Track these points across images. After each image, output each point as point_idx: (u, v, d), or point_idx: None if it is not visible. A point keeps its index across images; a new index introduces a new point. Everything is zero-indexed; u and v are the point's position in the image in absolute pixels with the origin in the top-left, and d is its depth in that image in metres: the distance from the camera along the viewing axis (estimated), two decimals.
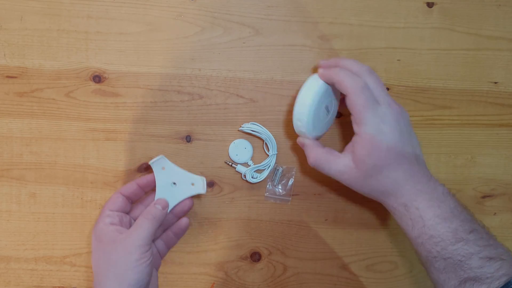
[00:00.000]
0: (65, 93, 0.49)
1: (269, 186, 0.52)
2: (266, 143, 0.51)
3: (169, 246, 0.49)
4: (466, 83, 0.52)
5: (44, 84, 0.49)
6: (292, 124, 0.46)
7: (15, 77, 0.49)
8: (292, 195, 0.52)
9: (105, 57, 0.49)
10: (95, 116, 0.50)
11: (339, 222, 0.53)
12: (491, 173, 0.54)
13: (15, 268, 0.52)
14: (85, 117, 0.50)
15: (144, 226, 0.43)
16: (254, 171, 0.51)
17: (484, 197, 0.54)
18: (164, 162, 0.47)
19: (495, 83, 0.52)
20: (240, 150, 0.51)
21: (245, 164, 0.51)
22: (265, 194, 0.52)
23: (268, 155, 0.51)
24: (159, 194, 0.47)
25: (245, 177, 0.51)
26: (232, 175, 0.52)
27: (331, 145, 0.51)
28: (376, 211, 0.54)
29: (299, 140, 0.47)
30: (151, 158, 0.47)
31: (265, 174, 0.51)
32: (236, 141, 0.51)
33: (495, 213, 0.55)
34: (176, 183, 0.47)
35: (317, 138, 0.47)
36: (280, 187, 0.52)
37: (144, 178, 0.47)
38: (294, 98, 0.46)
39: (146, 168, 0.50)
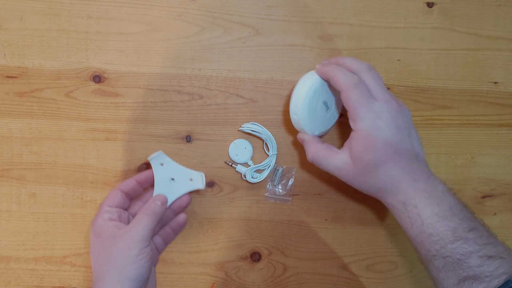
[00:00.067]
0: (65, 93, 0.49)
1: (269, 186, 0.52)
2: (266, 143, 0.51)
3: (166, 242, 0.49)
4: (466, 83, 0.52)
5: (44, 84, 0.49)
6: (292, 123, 0.46)
7: (15, 77, 0.49)
8: (292, 195, 0.52)
9: (105, 57, 0.49)
10: (95, 116, 0.50)
11: (339, 222, 0.53)
12: (491, 173, 0.54)
13: (15, 268, 0.52)
14: (85, 117, 0.50)
15: (144, 221, 0.43)
16: (254, 171, 0.51)
17: (484, 197, 0.54)
18: (163, 158, 0.47)
19: (495, 83, 0.52)
20: (240, 150, 0.51)
21: (245, 164, 0.51)
22: (265, 194, 0.52)
23: (268, 155, 0.51)
24: (157, 190, 0.47)
25: (245, 177, 0.51)
26: (232, 175, 0.52)
27: (332, 145, 0.51)
28: (376, 211, 0.54)
29: (299, 136, 0.48)
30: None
31: (265, 174, 0.51)
32: (236, 141, 0.51)
33: (495, 213, 0.55)
34: (174, 179, 0.47)
35: (320, 136, 0.48)
36: (280, 187, 0.52)
37: (142, 174, 0.47)
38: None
39: (147, 168, 0.50)
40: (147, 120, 0.50)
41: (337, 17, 0.50)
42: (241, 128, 0.50)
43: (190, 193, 0.48)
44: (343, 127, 0.52)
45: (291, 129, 0.51)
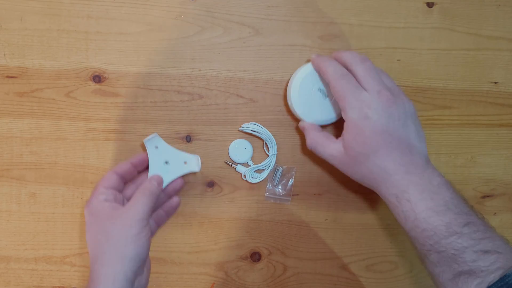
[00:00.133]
0: (65, 93, 0.49)
1: (269, 186, 0.52)
2: (266, 143, 0.51)
3: (159, 224, 0.49)
4: (466, 83, 0.52)
5: (44, 84, 0.49)
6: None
7: (15, 77, 0.49)
8: (292, 195, 0.52)
9: (105, 57, 0.49)
10: (95, 116, 0.50)
11: (339, 222, 0.53)
12: (491, 173, 0.54)
13: (15, 268, 0.52)
14: (85, 117, 0.50)
15: (142, 201, 0.43)
16: (254, 171, 0.51)
17: (484, 197, 0.54)
18: (158, 141, 0.47)
19: (495, 83, 0.52)
20: (240, 150, 0.51)
21: (245, 164, 0.51)
22: (265, 194, 0.52)
23: (268, 155, 0.51)
24: (152, 173, 0.47)
25: (245, 177, 0.51)
26: (232, 175, 0.52)
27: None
28: (376, 211, 0.54)
29: (300, 124, 0.48)
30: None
31: (265, 174, 0.51)
32: (236, 141, 0.51)
33: (495, 213, 0.55)
34: (169, 162, 0.47)
35: (324, 126, 0.49)
36: (280, 187, 0.52)
37: (137, 157, 0.47)
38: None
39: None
40: (147, 120, 0.50)
41: (337, 17, 0.50)
42: (241, 128, 0.50)
43: (187, 177, 0.48)
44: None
45: (291, 130, 0.51)
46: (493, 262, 0.36)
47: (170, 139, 0.51)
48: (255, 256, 0.53)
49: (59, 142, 0.50)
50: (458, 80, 0.52)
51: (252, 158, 0.51)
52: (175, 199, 0.49)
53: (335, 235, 0.54)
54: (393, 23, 0.50)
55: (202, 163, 0.51)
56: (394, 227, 0.54)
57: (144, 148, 0.47)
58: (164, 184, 0.47)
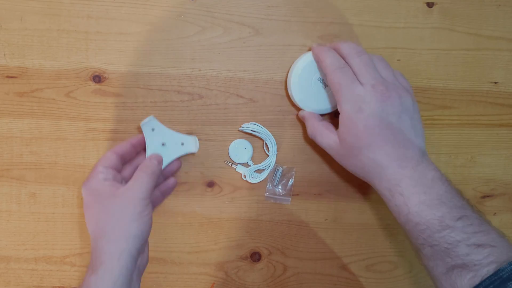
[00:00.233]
0: (65, 93, 0.49)
1: (269, 186, 0.52)
2: (266, 143, 0.51)
3: (155, 205, 0.49)
4: (466, 83, 0.52)
5: (44, 84, 0.49)
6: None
7: (15, 77, 0.49)
8: (292, 195, 0.52)
9: (105, 57, 0.49)
10: (95, 116, 0.50)
11: (339, 222, 0.53)
12: (491, 173, 0.54)
13: (15, 268, 0.52)
14: (85, 117, 0.50)
15: (144, 179, 0.43)
16: (254, 171, 0.51)
17: (484, 197, 0.54)
18: (154, 123, 0.47)
19: (495, 83, 0.52)
20: (240, 150, 0.51)
21: (245, 164, 0.51)
22: (265, 194, 0.52)
23: (268, 155, 0.51)
24: (149, 155, 0.47)
25: (245, 177, 0.51)
26: (232, 175, 0.52)
27: None
28: (376, 211, 0.54)
29: (300, 113, 0.49)
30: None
31: (265, 174, 0.51)
32: (236, 141, 0.51)
33: (495, 213, 0.55)
34: (166, 144, 0.47)
35: (322, 115, 0.49)
36: (280, 187, 0.52)
37: (137, 138, 0.47)
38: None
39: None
40: None
41: (337, 17, 0.50)
42: (241, 128, 0.50)
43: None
44: None
45: (291, 130, 0.51)
46: (487, 255, 0.36)
47: None
48: (255, 256, 0.53)
49: (59, 142, 0.50)
50: (458, 80, 0.52)
51: (252, 158, 0.51)
52: (171, 180, 0.49)
53: (335, 235, 0.54)
54: (393, 23, 0.50)
55: (202, 163, 0.51)
56: (394, 227, 0.54)
57: (141, 131, 0.47)
58: (163, 166, 0.47)
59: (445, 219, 0.38)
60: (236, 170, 0.51)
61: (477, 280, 0.35)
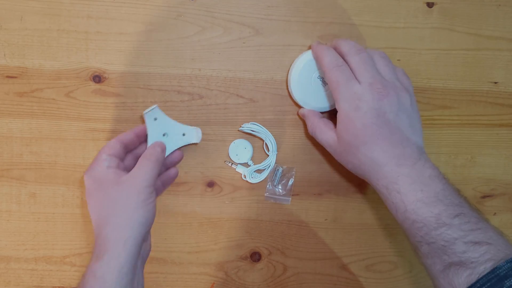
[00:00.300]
0: (65, 93, 0.49)
1: (269, 186, 0.52)
2: (266, 143, 0.51)
3: (156, 195, 0.49)
4: (466, 83, 0.52)
5: (44, 84, 0.49)
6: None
7: (15, 77, 0.49)
8: (292, 195, 0.52)
9: (105, 57, 0.49)
10: (95, 116, 0.50)
11: (339, 222, 0.53)
12: (491, 173, 0.54)
13: (15, 268, 0.52)
14: (85, 117, 0.50)
15: (148, 167, 0.43)
16: (254, 171, 0.51)
17: (484, 197, 0.54)
18: (157, 113, 0.47)
19: (495, 83, 0.52)
20: (240, 150, 0.51)
21: (245, 164, 0.51)
22: (265, 194, 0.52)
23: (268, 155, 0.51)
24: (150, 144, 0.46)
25: (245, 177, 0.51)
26: (232, 175, 0.52)
27: None
28: (376, 211, 0.54)
29: (300, 111, 0.50)
30: None
31: (265, 174, 0.51)
32: (236, 141, 0.51)
33: (495, 213, 0.55)
34: (167, 134, 0.47)
35: (322, 113, 0.50)
36: (280, 187, 0.52)
37: (141, 127, 0.47)
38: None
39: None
40: None
41: (337, 17, 0.50)
42: (241, 128, 0.50)
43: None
44: None
45: (291, 130, 0.51)
46: (484, 253, 0.36)
47: None
48: (255, 256, 0.53)
49: (59, 142, 0.50)
50: (458, 80, 0.52)
51: (252, 158, 0.51)
52: (173, 170, 0.49)
53: (335, 235, 0.54)
54: (393, 23, 0.50)
55: (202, 163, 0.51)
56: (393, 227, 0.54)
57: (143, 121, 0.47)
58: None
59: (442, 217, 0.38)
60: (236, 170, 0.51)
61: (474, 278, 0.35)
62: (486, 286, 0.34)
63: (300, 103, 0.49)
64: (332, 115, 0.51)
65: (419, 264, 0.43)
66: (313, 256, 0.54)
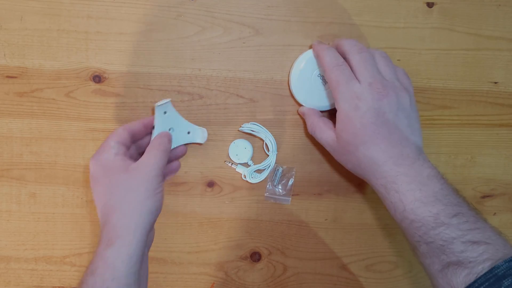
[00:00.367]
0: (65, 93, 0.49)
1: (269, 186, 0.52)
2: (266, 143, 0.51)
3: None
4: (466, 83, 0.52)
5: (44, 84, 0.49)
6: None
7: (15, 77, 0.49)
8: (292, 195, 0.52)
9: (105, 57, 0.49)
10: (95, 116, 0.50)
11: (339, 222, 0.53)
12: (491, 173, 0.54)
13: (15, 268, 0.52)
14: (85, 117, 0.50)
15: (157, 156, 0.43)
16: (254, 171, 0.51)
17: (484, 197, 0.54)
18: (168, 107, 0.46)
19: (495, 83, 0.52)
20: (240, 150, 0.51)
21: (245, 164, 0.51)
22: (265, 194, 0.52)
23: (268, 155, 0.51)
24: (154, 135, 0.46)
25: (245, 177, 0.51)
26: (232, 175, 0.52)
27: None
28: (376, 211, 0.54)
29: (300, 109, 0.50)
30: None
31: (265, 174, 0.51)
32: (236, 141, 0.51)
33: (495, 213, 0.55)
34: (173, 129, 0.47)
35: (324, 111, 0.50)
36: (280, 187, 0.52)
37: (149, 119, 0.46)
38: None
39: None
40: None
41: (337, 17, 0.50)
42: (241, 128, 0.50)
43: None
44: None
45: (291, 130, 0.51)
46: (482, 253, 0.36)
47: None
48: (255, 256, 0.53)
49: (59, 142, 0.50)
50: (458, 80, 0.52)
51: (252, 158, 0.51)
52: (175, 163, 0.49)
53: (335, 235, 0.54)
54: (393, 23, 0.50)
55: (202, 163, 0.51)
56: (393, 227, 0.54)
57: (153, 112, 0.47)
58: None
59: (440, 216, 0.38)
60: (236, 170, 0.51)
61: (472, 278, 0.35)
62: (484, 285, 0.34)
63: (301, 102, 0.49)
64: (332, 114, 0.51)
65: (419, 264, 0.43)
66: (313, 256, 0.54)
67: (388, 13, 0.50)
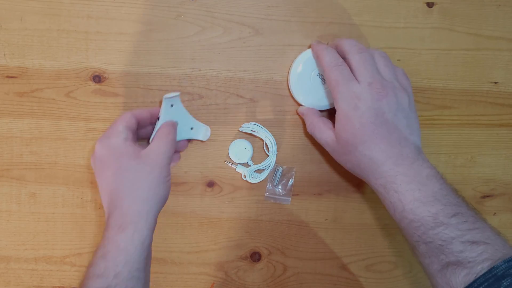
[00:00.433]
0: (65, 93, 0.49)
1: (269, 186, 0.52)
2: (266, 143, 0.51)
3: None
4: (466, 83, 0.52)
5: (44, 84, 0.49)
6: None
7: (15, 77, 0.49)
8: (292, 195, 0.52)
9: (105, 57, 0.49)
10: (95, 116, 0.50)
11: (339, 222, 0.53)
12: (491, 173, 0.54)
13: (15, 268, 0.52)
14: (85, 117, 0.50)
15: (168, 145, 0.43)
16: (254, 171, 0.51)
17: (484, 197, 0.54)
18: (176, 101, 0.46)
19: (495, 83, 0.52)
20: (240, 150, 0.51)
21: (245, 164, 0.51)
22: (265, 194, 0.52)
23: (268, 155, 0.51)
24: (157, 127, 0.46)
25: (245, 177, 0.51)
26: (232, 175, 0.52)
27: None
28: (376, 211, 0.54)
29: (299, 109, 0.50)
30: None
31: (265, 174, 0.51)
32: (236, 141, 0.51)
33: (495, 213, 0.55)
34: (177, 123, 0.47)
35: (323, 111, 0.50)
36: (280, 187, 0.52)
37: (156, 109, 0.46)
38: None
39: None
40: None
41: (337, 17, 0.50)
42: (241, 128, 0.50)
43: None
44: None
45: (291, 130, 0.51)
46: (481, 253, 0.36)
47: None
48: (255, 256, 0.53)
49: (59, 142, 0.50)
50: (458, 80, 0.52)
51: (252, 158, 0.51)
52: (176, 155, 0.49)
53: (335, 235, 0.54)
54: (393, 23, 0.50)
55: (202, 163, 0.51)
56: (393, 227, 0.54)
57: (160, 104, 0.46)
58: None
59: (439, 216, 0.38)
60: (236, 170, 0.51)
61: (471, 278, 0.35)
62: (483, 285, 0.34)
63: (300, 101, 0.49)
64: (331, 114, 0.51)
65: (419, 264, 0.43)
66: (313, 256, 0.54)
67: (388, 13, 0.50)
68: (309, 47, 0.49)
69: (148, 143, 0.45)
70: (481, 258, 0.35)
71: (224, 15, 0.49)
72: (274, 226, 0.53)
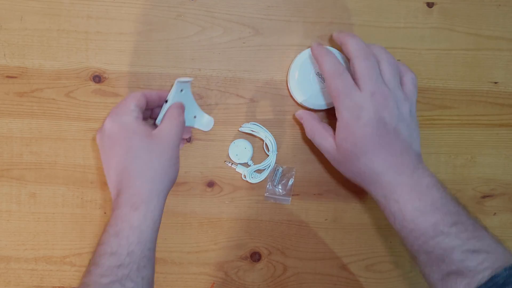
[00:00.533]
0: (65, 93, 0.49)
1: (269, 186, 0.52)
2: (266, 143, 0.51)
3: None
4: (466, 83, 0.52)
5: (44, 84, 0.49)
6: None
7: (15, 77, 0.49)
8: (292, 195, 0.52)
9: (105, 57, 0.49)
10: (95, 116, 0.50)
11: (339, 222, 0.53)
12: (491, 173, 0.54)
13: (15, 268, 0.52)
14: (85, 117, 0.50)
15: (179, 126, 0.43)
16: (254, 171, 0.51)
17: (484, 197, 0.54)
18: (186, 86, 0.46)
19: (495, 83, 0.52)
20: (240, 150, 0.51)
21: (245, 164, 0.51)
22: (265, 194, 0.52)
23: (268, 155, 0.51)
24: (164, 109, 0.45)
25: (245, 177, 0.51)
26: (232, 175, 0.52)
27: None
28: (376, 211, 0.54)
29: (297, 113, 0.49)
30: None
31: (265, 174, 0.51)
32: (236, 141, 0.51)
33: (495, 213, 0.55)
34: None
35: (321, 110, 0.50)
36: (280, 187, 0.52)
37: (163, 92, 0.46)
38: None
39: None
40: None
41: (337, 17, 0.50)
42: (241, 128, 0.50)
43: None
44: None
45: (291, 130, 0.51)
46: (482, 262, 0.36)
47: None
48: (255, 256, 0.53)
49: (59, 142, 0.50)
50: (458, 80, 0.52)
51: (252, 158, 0.51)
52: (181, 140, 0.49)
53: (335, 235, 0.54)
54: (393, 23, 0.50)
55: (202, 163, 0.51)
56: (393, 227, 0.54)
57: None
58: None
59: (439, 225, 0.38)
60: (236, 170, 0.51)
61: (472, 287, 0.35)
62: None
63: (299, 101, 0.49)
64: (330, 113, 0.51)
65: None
66: (313, 256, 0.54)
67: (388, 13, 0.50)
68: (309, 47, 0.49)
69: (155, 124, 0.45)
70: (482, 267, 0.35)
71: (224, 15, 0.49)
72: (274, 226, 0.53)
